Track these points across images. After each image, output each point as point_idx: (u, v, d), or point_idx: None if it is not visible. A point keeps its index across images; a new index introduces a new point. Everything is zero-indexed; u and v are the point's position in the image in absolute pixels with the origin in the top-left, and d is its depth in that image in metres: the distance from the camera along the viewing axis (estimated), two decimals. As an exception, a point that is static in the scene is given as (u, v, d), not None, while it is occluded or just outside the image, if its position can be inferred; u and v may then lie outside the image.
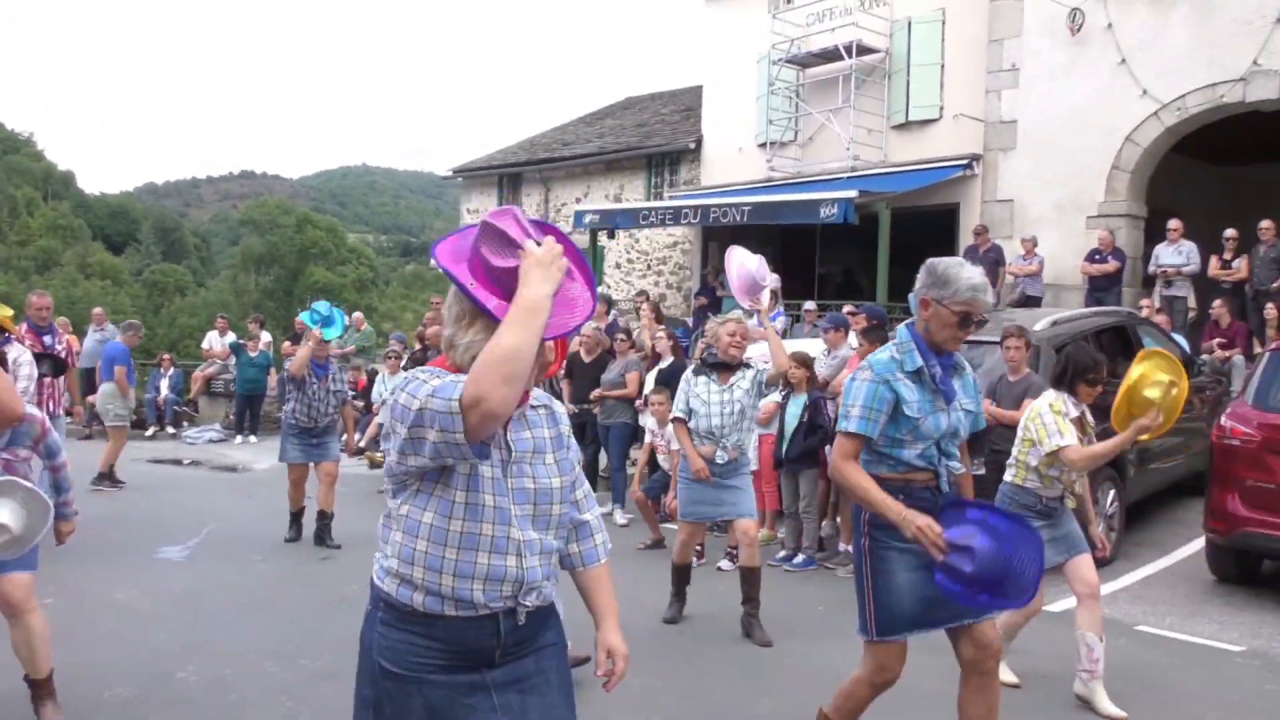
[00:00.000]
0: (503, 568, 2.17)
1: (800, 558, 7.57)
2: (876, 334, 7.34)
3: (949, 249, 15.52)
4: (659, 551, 7.98)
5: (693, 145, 20.13)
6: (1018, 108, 14.79)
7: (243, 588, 6.65)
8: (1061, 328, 8.10)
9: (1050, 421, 4.66)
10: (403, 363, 11.75)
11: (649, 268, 21.10)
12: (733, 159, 19.04)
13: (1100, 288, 12.98)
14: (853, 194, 14.07)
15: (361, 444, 13.07)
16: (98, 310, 18.12)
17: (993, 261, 13.72)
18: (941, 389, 3.48)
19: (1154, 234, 13.44)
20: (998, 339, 7.15)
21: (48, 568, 6.81)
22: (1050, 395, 4.84)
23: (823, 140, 17.45)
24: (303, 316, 8.95)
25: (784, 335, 13.63)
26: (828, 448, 7.63)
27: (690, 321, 16.31)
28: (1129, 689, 4.92)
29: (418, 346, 11.83)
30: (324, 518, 8.21)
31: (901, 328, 3.63)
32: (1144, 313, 11.16)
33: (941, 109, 16.15)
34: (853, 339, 8.51)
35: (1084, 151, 14.00)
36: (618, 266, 21.42)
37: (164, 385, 15.56)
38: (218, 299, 53.27)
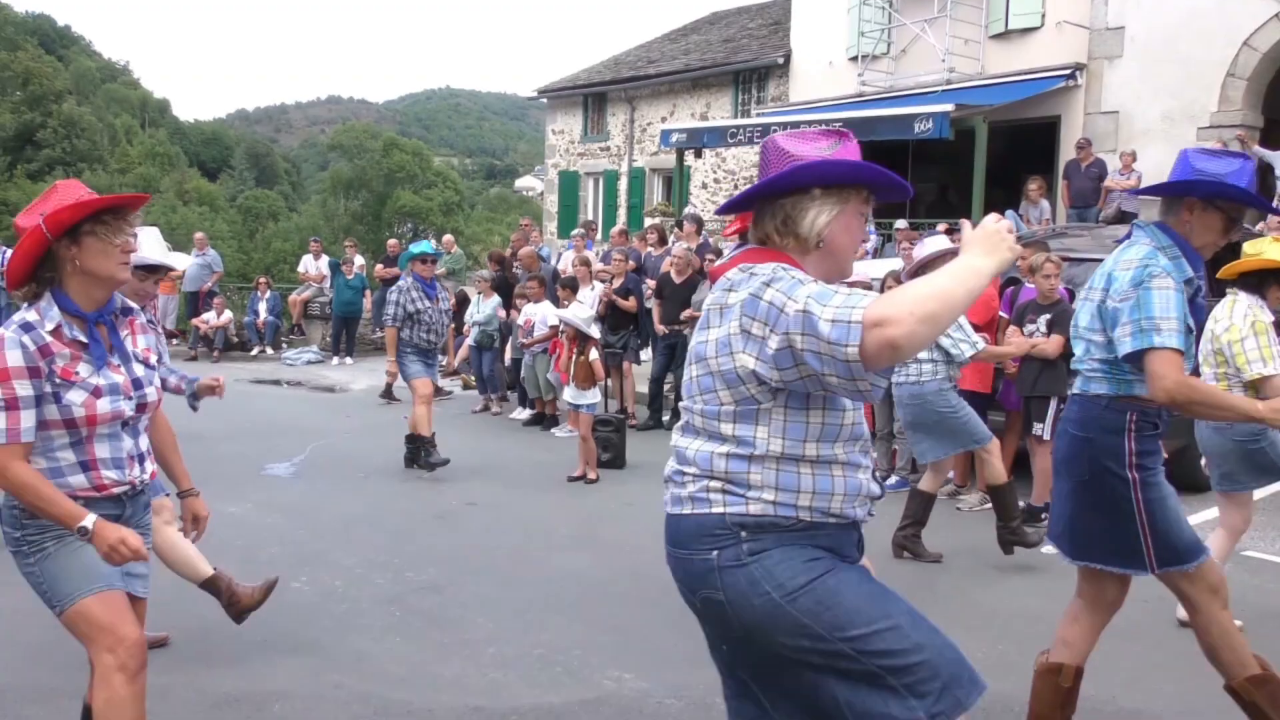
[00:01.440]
0: (861, 483, 2.15)
1: (894, 479, 7.52)
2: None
3: (1049, 164, 15.01)
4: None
5: (781, 60, 19.65)
6: (1126, 13, 14.07)
7: (348, 503, 6.88)
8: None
9: (1254, 345, 4.13)
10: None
11: (735, 187, 20.81)
12: (822, 74, 18.55)
13: (1212, 201, 12.41)
14: (948, 107, 13.62)
15: (455, 365, 13.32)
16: (199, 235, 18.67)
17: (1095, 177, 13.24)
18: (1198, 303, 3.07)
19: (1272, 145, 12.77)
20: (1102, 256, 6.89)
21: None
22: (1245, 302, 4.29)
23: (917, 52, 16.87)
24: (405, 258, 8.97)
25: (875, 255, 13.42)
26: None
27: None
28: (1237, 614, 4.82)
29: (496, 267, 11.91)
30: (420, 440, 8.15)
31: (1151, 227, 3.13)
32: (1257, 228, 10.66)
33: (1043, 16, 15.45)
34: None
35: (1197, 59, 13.30)
36: (704, 186, 21.19)
37: (262, 308, 16.00)
38: (309, 223, 54.28)
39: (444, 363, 13.50)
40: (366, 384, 12.93)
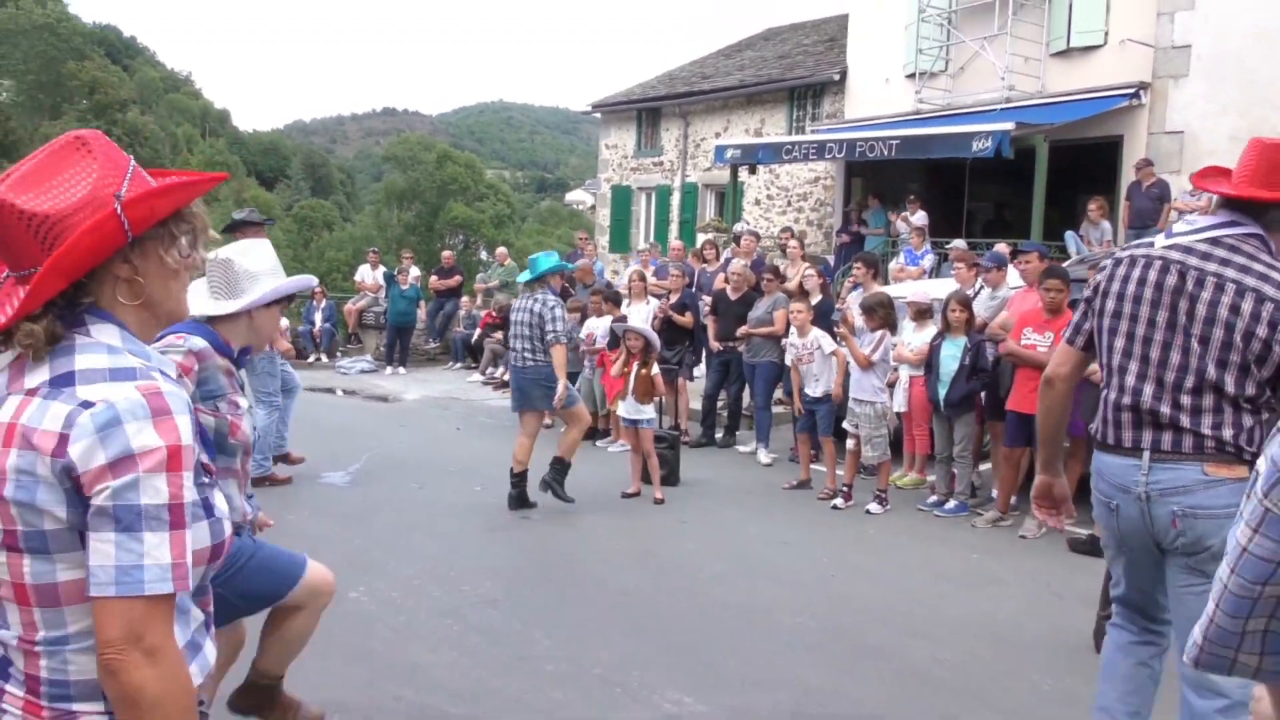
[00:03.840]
0: None
1: (952, 503, 7.40)
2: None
3: (1110, 185, 14.77)
4: (803, 492, 7.93)
5: (836, 77, 19.54)
6: (1193, 30, 13.81)
7: (404, 513, 6.91)
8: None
9: None
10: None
11: (789, 204, 20.74)
12: (879, 91, 18.42)
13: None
14: (1008, 126, 13.44)
15: (506, 378, 13.35)
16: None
17: (1156, 198, 13.00)
18: None
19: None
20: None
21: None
22: None
23: (975, 70, 16.69)
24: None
25: (932, 274, 13.28)
26: (983, 393, 7.42)
27: (831, 259, 16.01)
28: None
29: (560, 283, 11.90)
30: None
31: None
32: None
33: (1106, 34, 15.20)
34: (1013, 277, 8.17)
35: (1265, 77, 13.00)
36: (757, 203, 21.12)
37: (318, 317, 16.19)
38: (363, 234, 55.03)
39: (499, 374, 13.59)
40: (419, 394, 13.03)
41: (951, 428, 7.46)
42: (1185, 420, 2.66)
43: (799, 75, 20.52)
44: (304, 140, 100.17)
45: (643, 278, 10.57)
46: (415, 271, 15.72)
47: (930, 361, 7.57)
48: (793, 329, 8.27)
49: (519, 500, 7.14)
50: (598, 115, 26.05)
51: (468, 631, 4.67)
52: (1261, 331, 2.57)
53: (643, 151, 24.23)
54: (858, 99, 19.12)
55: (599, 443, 9.88)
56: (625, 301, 10.25)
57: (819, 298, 9.11)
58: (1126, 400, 2.74)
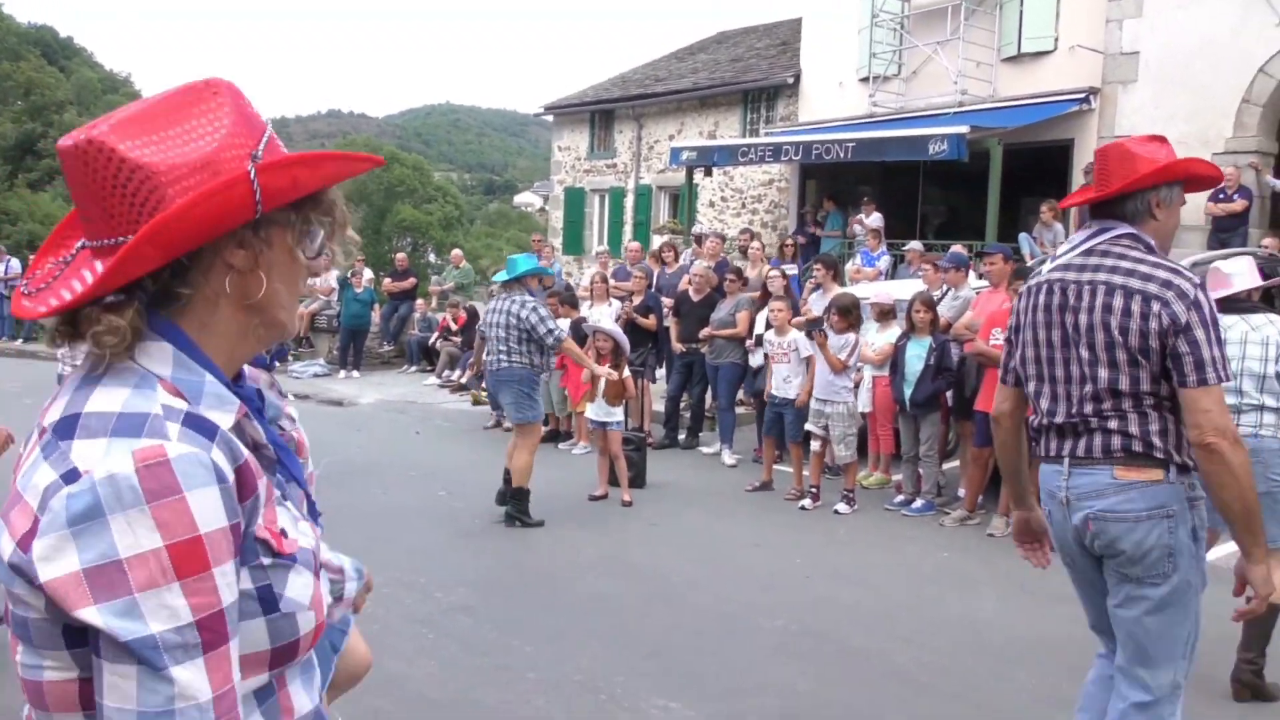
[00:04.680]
0: None
1: (919, 502, 7.42)
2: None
3: (1061, 188, 14.97)
4: (768, 494, 7.90)
5: (791, 80, 19.63)
6: (1140, 38, 14.06)
7: (369, 520, 6.74)
8: (1204, 269, 7.71)
9: None
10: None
11: (743, 206, 20.79)
12: (833, 94, 18.53)
13: (1225, 228, 12.39)
14: (963, 129, 13.59)
15: (463, 380, 13.21)
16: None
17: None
18: None
19: (1286, 172, 12.75)
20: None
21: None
22: None
23: (928, 74, 16.86)
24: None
25: (888, 276, 13.36)
26: (949, 392, 7.45)
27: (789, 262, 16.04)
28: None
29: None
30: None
31: None
32: (1264, 253, 10.60)
33: (1057, 40, 15.45)
34: (973, 279, 8.23)
35: (1212, 84, 13.27)
36: (711, 205, 21.14)
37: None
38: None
39: (456, 377, 13.43)
40: (375, 398, 12.81)
41: (918, 427, 7.48)
42: (1094, 425, 2.68)
43: (753, 78, 20.58)
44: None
45: (604, 279, 10.48)
46: (369, 274, 15.48)
47: (895, 362, 7.59)
48: (767, 327, 8.25)
49: (504, 498, 6.99)
50: (548, 117, 25.92)
51: (444, 640, 4.55)
52: (1135, 324, 2.59)
53: (596, 153, 24.15)
54: (812, 102, 19.22)
55: (561, 445, 9.77)
56: (587, 303, 10.16)
57: (786, 299, 9.08)
58: (1045, 422, 2.79)
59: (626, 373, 7.66)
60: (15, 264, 18.03)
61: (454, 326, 14.25)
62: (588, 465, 8.72)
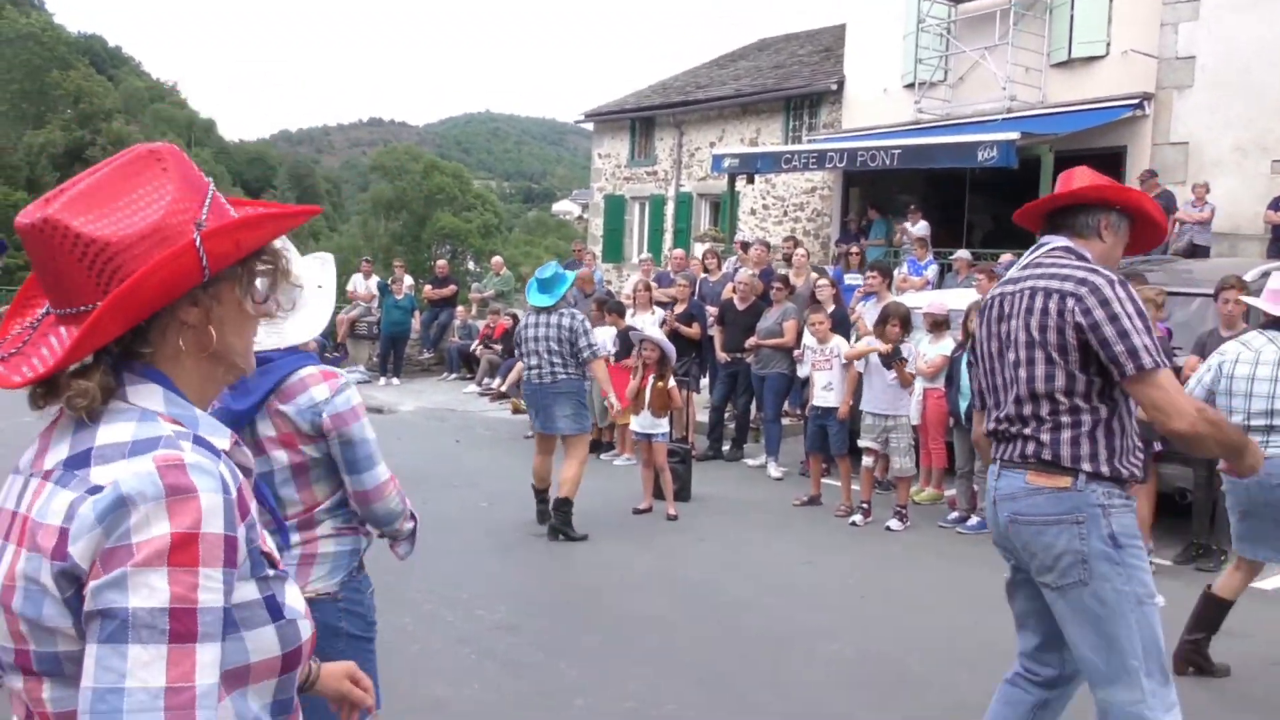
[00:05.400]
0: None
1: (974, 519, 7.17)
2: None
3: (1114, 195, 14.61)
4: (817, 509, 7.68)
5: (834, 86, 19.38)
6: (1197, 42, 13.70)
7: (408, 532, 6.61)
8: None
9: None
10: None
11: (785, 214, 20.56)
12: (877, 101, 18.27)
13: (1284, 237, 12.02)
14: (1013, 136, 13.29)
15: (503, 388, 13.10)
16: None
17: (1162, 209, 12.83)
18: None
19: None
20: (1207, 291, 6.54)
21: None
22: None
23: (975, 80, 16.56)
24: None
25: (935, 285, 13.09)
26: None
27: (830, 270, 15.81)
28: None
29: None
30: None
31: None
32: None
33: (1108, 45, 15.09)
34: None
35: (1271, 88, 12.90)
36: (753, 213, 20.93)
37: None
38: (349, 243, 54.60)
39: (496, 385, 13.32)
40: (415, 405, 12.73)
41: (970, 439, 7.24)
42: (1015, 431, 2.73)
43: (795, 85, 20.37)
44: (290, 150, 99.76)
45: (648, 287, 10.32)
46: (410, 280, 15.44)
47: (951, 374, 7.36)
48: (809, 336, 8.09)
49: (544, 516, 6.82)
50: (588, 125, 25.83)
51: (487, 661, 4.40)
52: (1051, 321, 2.62)
53: (636, 161, 24.03)
54: (855, 109, 18.97)
55: (603, 455, 9.61)
56: (630, 311, 10.00)
57: (832, 307, 8.87)
58: (990, 427, 2.85)
59: (672, 383, 7.48)
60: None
61: (494, 334, 14.16)
62: (630, 477, 8.56)
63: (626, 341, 9.29)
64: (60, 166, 51.14)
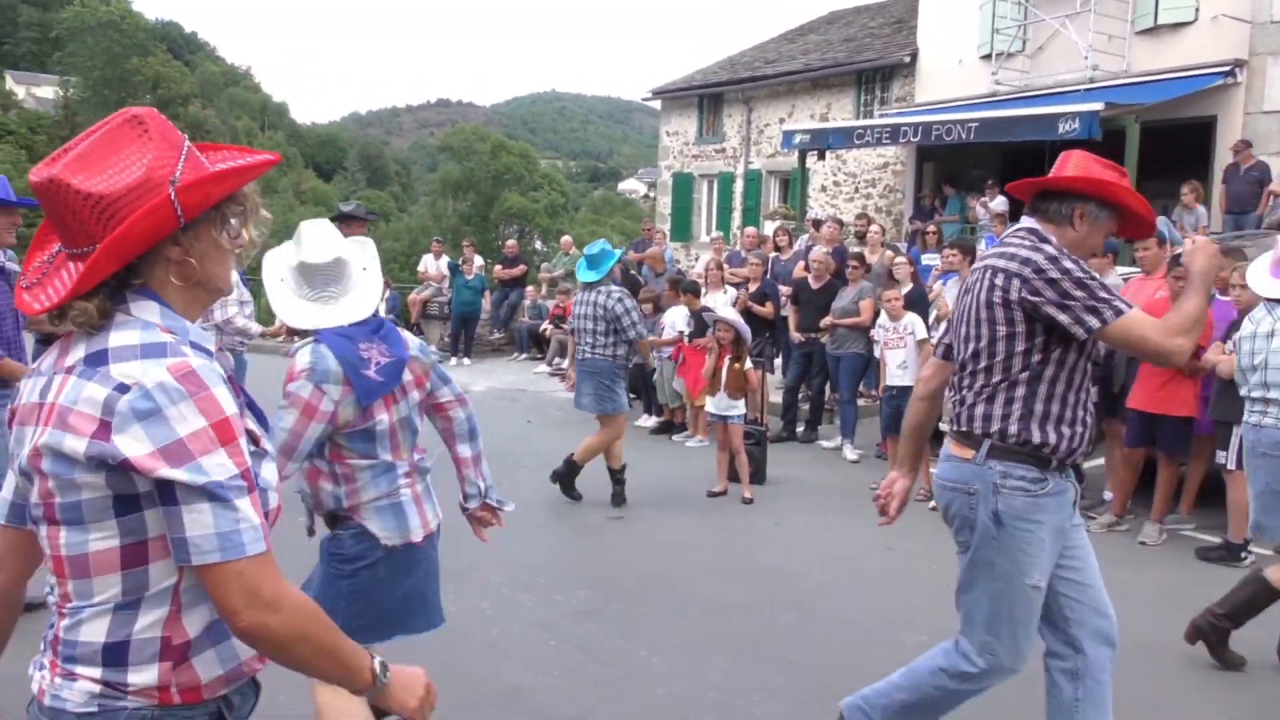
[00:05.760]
0: None
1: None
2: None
3: (1203, 168, 14.07)
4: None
5: (907, 59, 18.95)
6: (1294, 4, 13.08)
7: (483, 513, 6.61)
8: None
9: None
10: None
11: (856, 190, 20.21)
12: (951, 73, 17.82)
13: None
14: (1097, 106, 12.81)
15: (566, 367, 13.07)
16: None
17: (1255, 181, 12.34)
18: None
19: None
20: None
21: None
22: None
23: (1055, 49, 16.04)
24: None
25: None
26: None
27: (904, 246, 15.50)
28: None
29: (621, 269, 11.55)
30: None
31: None
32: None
33: (1197, 10, 14.48)
34: (1119, 268, 7.68)
35: (1375, 54, 12.27)
36: (823, 189, 20.61)
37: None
38: (418, 224, 55.18)
39: (566, 365, 13.30)
40: (486, 385, 12.78)
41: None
42: (954, 397, 2.96)
43: (867, 58, 19.95)
44: (360, 132, 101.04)
45: (720, 266, 10.18)
46: (480, 261, 15.48)
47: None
48: (883, 315, 7.93)
49: (619, 497, 7.04)
50: (654, 104, 25.64)
51: (566, 648, 4.35)
52: (997, 296, 2.76)
53: (704, 138, 23.80)
54: (929, 81, 18.52)
55: (675, 437, 9.54)
56: (702, 291, 9.89)
57: (909, 286, 8.66)
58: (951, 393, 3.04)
59: (749, 364, 7.37)
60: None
61: (564, 314, 14.14)
62: (703, 459, 8.48)
63: (700, 321, 9.18)
64: (140, 151, 52.41)
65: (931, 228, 13.17)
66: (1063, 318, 2.67)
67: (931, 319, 8.51)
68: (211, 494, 1.38)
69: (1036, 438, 2.75)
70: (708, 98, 23.65)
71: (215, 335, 6.64)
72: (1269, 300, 4.90)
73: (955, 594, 3.01)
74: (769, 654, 4.34)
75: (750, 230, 13.13)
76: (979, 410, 2.81)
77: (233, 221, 1.55)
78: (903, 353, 7.64)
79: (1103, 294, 2.68)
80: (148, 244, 1.45)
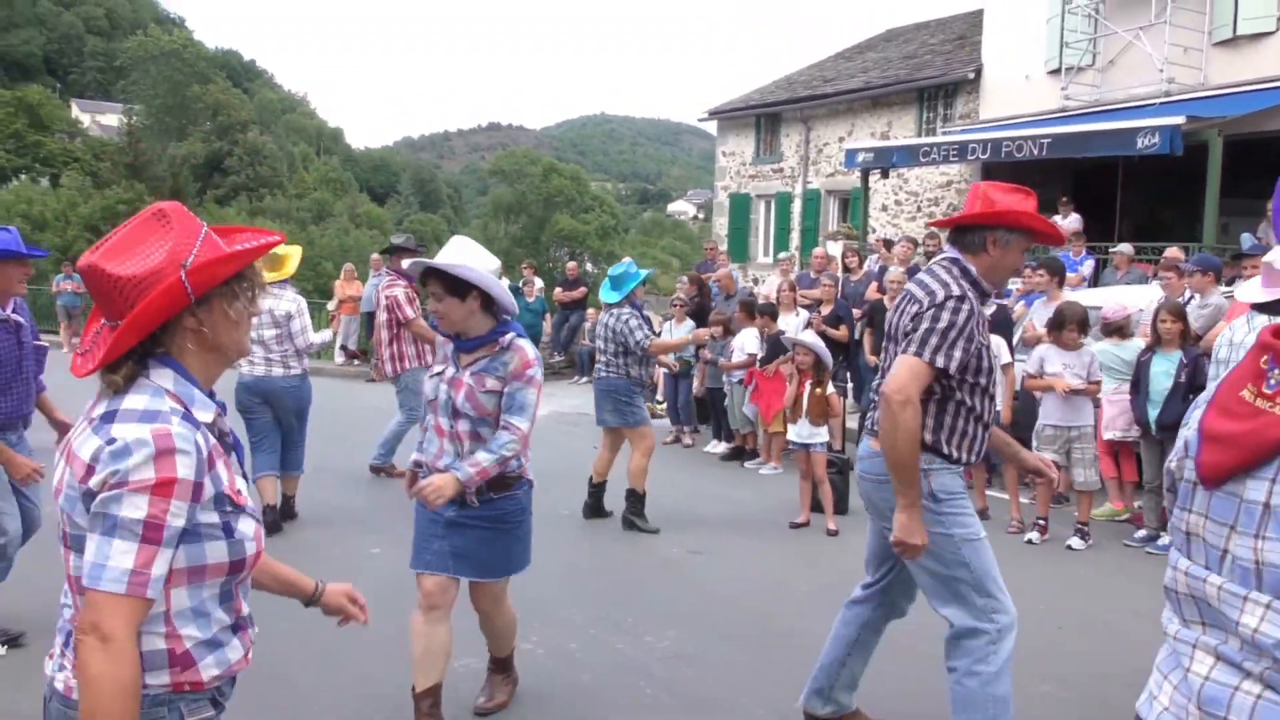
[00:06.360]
0: None
1: (1165, 538, 6.56)
2: None
3: (1288, 182, 13.53)
4: (985, 523, 7.18)
5: (971, 75, 18.60)
6: (1386, 11, 12.57)
7: (560, 545, 6.39)
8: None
9: None
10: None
11: (919, 209, 19.83)
12: (1018, 88, 17.43)
13: None
14: (1178, 120, 12.38)
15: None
16: (375, 256, 18.89)
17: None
18: None
19: None
20: None
21: (369, 521, 6.86)
22: None
23: (1127, 63, 15.60)
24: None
25: (1091, 282, 12.31)
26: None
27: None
28: None
29: (694, 289, 11.32)
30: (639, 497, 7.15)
31: None
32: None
33: (1279, 19, 14.00)
34: (1223, 286, 7.32)
35: None
36: (884, 209, 20.26)
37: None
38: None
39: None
40: (547, 410, 12.58)
41: (1164, 452, 6.63)
42: (874, 403, 3.34)
43: (929, 75, 19.62)
44: (412, 156, 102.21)
45: (793, 287, 9.91)
46: (540, 283, 15.36)
47: (1137, 378, 6.77)
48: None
49: (593, 510, 7.18)
50: (704, 126, 25.50)
51: (664, 695, 4.09)
52: (906, 321, 3.20)
53: (761, 158, 23.58)
54: (994, 98, 18.15)
55: (748, 464, 9.26)
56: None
57: (992, 308, 8.32)
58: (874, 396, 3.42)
59: (831, 389, 7.09)
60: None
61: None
62: (778, 486, 8.21)
63: (772, 345, 8.92)
64: (200, 177, 53.35)
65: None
66: (914, 333, 3.14)
67: (1016, 340, 8.18)
68: (107, 526, 1.63)
69: (947, 438, 3.22)
70: (765, 117, 23.44)
71: (292, 360, 6.56)
72: (1253, 309, 4.53)
73: (925, 593, 3.37)
74: (886, 704, 4.04)
75: (819, 251, 12.83)
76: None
77: (241, 296, 1.84)
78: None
79: (949, 348, 3.11)
80: (164, 318, 1.74)
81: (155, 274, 1.69)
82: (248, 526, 1.82)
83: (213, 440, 1.78)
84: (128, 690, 1.62)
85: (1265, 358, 1.49)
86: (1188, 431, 1.59)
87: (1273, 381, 1.46)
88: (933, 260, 3.31)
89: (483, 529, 3.54)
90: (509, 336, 3.58)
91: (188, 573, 1.73)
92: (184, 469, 1.66)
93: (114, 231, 1.75)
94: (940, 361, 3.08)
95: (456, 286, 3.46)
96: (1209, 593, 1.47)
